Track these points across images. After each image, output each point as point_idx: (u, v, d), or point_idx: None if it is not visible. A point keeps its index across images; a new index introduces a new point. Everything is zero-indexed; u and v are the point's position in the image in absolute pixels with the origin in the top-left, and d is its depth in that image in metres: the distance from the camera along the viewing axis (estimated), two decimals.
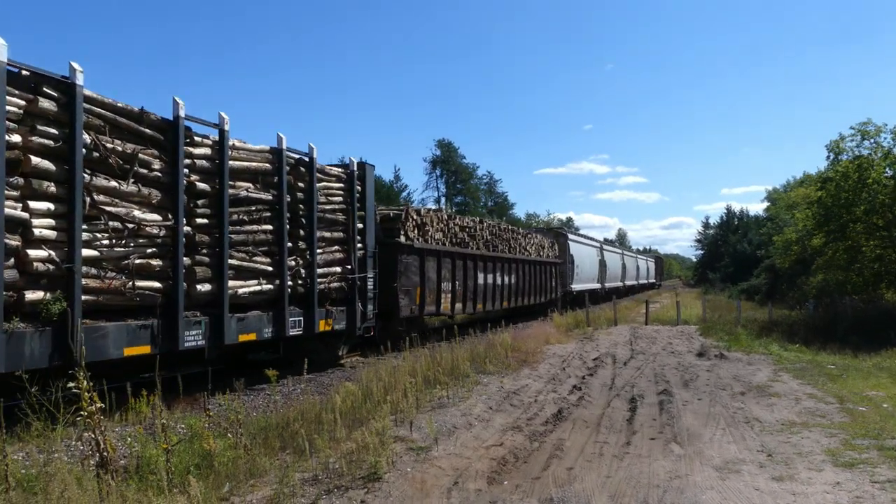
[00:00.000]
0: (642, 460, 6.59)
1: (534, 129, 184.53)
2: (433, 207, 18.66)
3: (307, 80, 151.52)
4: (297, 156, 11.67)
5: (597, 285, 41.28)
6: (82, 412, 5.44)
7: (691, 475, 6.07)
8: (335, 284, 12.58)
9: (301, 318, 11.46)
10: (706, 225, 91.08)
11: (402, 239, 15.84)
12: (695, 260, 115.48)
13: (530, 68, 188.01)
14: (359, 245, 13.44)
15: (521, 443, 7.24)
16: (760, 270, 46.23)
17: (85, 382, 5.43)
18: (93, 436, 5.47)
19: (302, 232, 11.69)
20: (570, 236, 35.78)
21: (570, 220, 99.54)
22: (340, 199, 13.05)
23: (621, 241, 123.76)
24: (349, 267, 13.03)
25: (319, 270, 12.01)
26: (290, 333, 11.06)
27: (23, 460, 5.40)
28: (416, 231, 16.57)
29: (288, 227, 11.10)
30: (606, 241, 50.88)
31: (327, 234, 12.54)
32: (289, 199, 11.12)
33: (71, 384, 5.39)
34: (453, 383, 10.17)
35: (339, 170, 13.38)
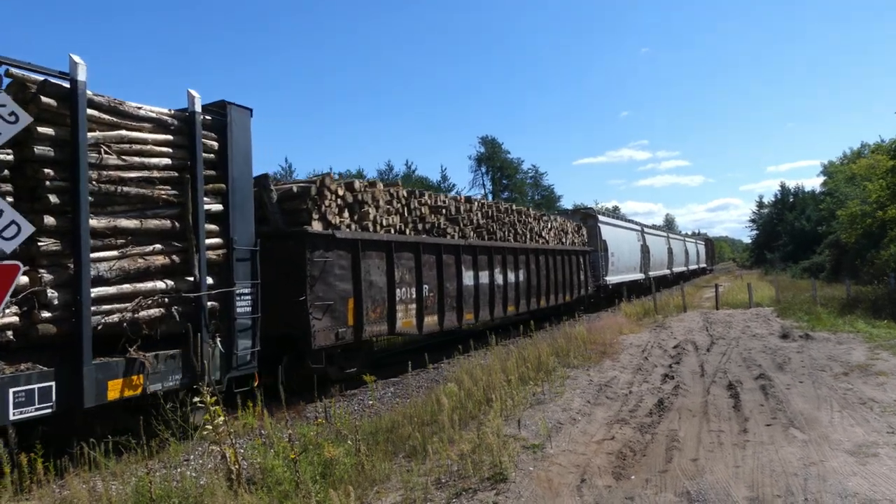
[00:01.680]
0: (767, 447, 6.34)
1: (570, 120, 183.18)
2: (379, 179, 13.36)
3: (349, 84, 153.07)
4: (39, 77, 5.84)
5: (639, 275, 35.25)
6: (208, 426, 5.49)
7: (826, 461, 5.80)
8: (154, 312, 7.22)
9: (49, 385, 6.13)
10: (760, 204, 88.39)
11: (316, 226, 10.22)
12: (746, 241, 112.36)
13: (563, 59, 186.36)
14: (214, 241, 8.16)
15: (633, 436, 7.06)
16: (824, 247, 44.68)
17: (209, 397, 5.48)
18: (219, 449, 5.52)
19: (52, 220, 5.99)
20: (602, 218, 29.34)
21: (616, 208, 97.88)
22: (168, 161, 7.62)
23: (669, 226, 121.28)
24: (191, 279, 7.68)
25: (100, 291, 6.59)
26: (14, 418, 5.77)
27: (161, 478, 5.43)
28: (344, 214, 11.02)
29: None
30: (648, 225, 42.77)
31: (130, 223, 7.09)
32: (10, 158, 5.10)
33: (196, 399, 5.45)
34: (541, 378, 10.02)
35: (164, 113, 7.72)
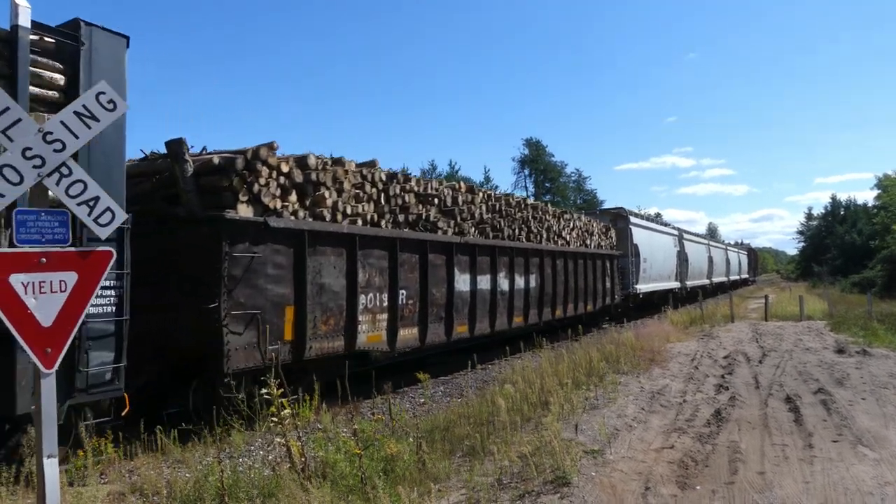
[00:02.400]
0: (836, 465, 6.14)
1: (614, 124, 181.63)
2: (341, 158, 9.90)
3: (397, 83, 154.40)
4: None
5: (674, 284, 32.50)
6: (274, 418, 5.55)
7: None
8: None
9: None
10: (809, 216, 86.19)
11: (243, 211, 8.00)
12: (790, 253, 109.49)
13: (610, 63, 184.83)
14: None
15: (692, 445, 6.91)
16: (876, 262, 43.31)
17: (275, 389, 5.54)
18: (284, 441, 5.57)
19: None
20: (633, 220, 26.51)
21: (658, 215, 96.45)
22: None
23: (712, 235, 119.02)
24: None
25: None
26: None
27: (229, 467, 5.50)
28: (290, 198, 8.75)
29: None
30: (687, 230, 39.60)
31: None
32: None
33: (263, 390, 5.51)
34: (593, 383, 9.90)
35: None
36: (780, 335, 17.93)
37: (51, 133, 3.32)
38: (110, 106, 3.51)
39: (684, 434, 7.41)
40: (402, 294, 10.82)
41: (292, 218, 8.69)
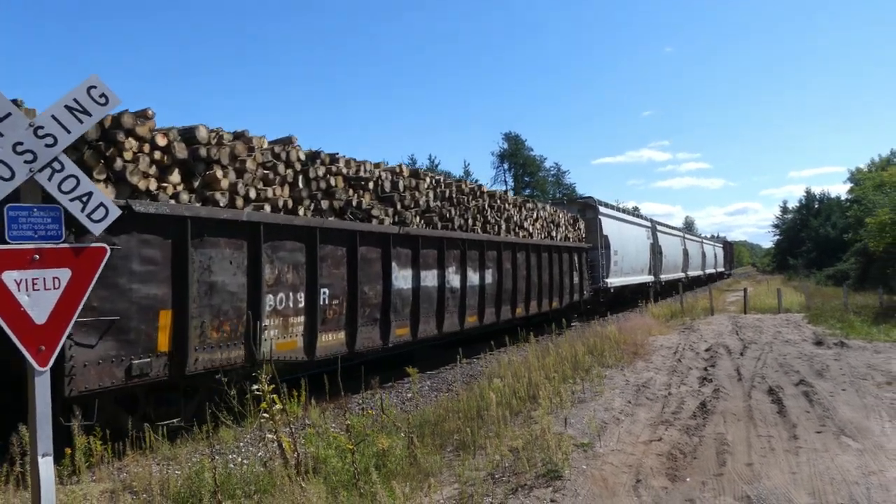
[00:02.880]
0: (821, 455, 6.25)
1: (590, 118, 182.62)
2: (244, 132, 8.43)
3: (374, 80, 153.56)
4: None
5: (647, 277, 30.99)
6: (265, 414, 5.50)
7: (886, 471, 5.70)
8: None
9: None
10: (784, 209, 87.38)
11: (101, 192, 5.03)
12: (765, 246, 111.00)
13: (584, 56, 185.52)
14: None
15: (680, 438, 6.99)
16: (850, 255, 44.08)
17: (266, 385, 5.49)
18: (275, 437, 5.53)
19: None
20: (603, 210, 25.13)
21: (635, 208, 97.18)
22: None
23: (689, 228, 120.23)
24: None
25: None
26: None
27: (219, 463, 5.45)
28: (170, 177, 7.24)
29: None
30: (661, 222, 38.11)
31: None
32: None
33: (255, 387, 5.46)
34: (579, 377, 9.97)
35: None
36: (759, 328, 18.20)
37: (42, 128, 3.25)
38: (102, 100, 3.44)
39: (671, 427, 7.49)
40: (325, 293, 9.26)
41: (171, 202, 7.09)
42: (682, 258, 41.89)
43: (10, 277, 3.12)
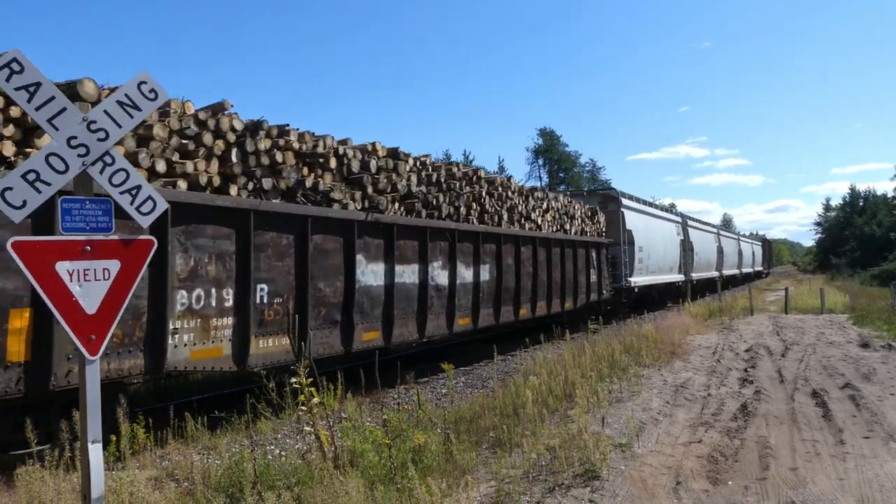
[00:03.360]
0: (870, 461, 6.06)
1: (626, 113, 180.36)
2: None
3: (410, 73, 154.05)
4: None
5: (676, 276, 28.77)
6: (303, 406, 5.55)
7: None
8: None
9: None
10: (826, 207, 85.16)
11: None
12: (806, 245, 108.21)
13: (620, 50, 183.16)
14: None
15: (720, 440, 6.86)
16: None
17: (305, 378, 5.54)
18: (313, 430, 5.58)
19: None
20: (626, 202, 23.05)
21: (672, 205, 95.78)
22: None
23: (727, 225, 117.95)
24: None
25: None
26: None
27: (259, 455, 5.52)
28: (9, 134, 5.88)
29: None
30: (693, 217, 35.50)
31: None
32: None
33: (293, 379, 5.52)
34: (616, 376, 9.86)
35: None
36: (801, 328, 17.76)
37: (94, 122, 3.31)
38: (151, 95, 3.49)
39: (711, 428, 7.36)
40: (262, 290, 7.84)
41: None
42: (715, 256, 39.69)
43: (63, 268, 3.19)
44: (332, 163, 9.14)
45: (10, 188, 3.06)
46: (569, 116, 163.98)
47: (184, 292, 6.95)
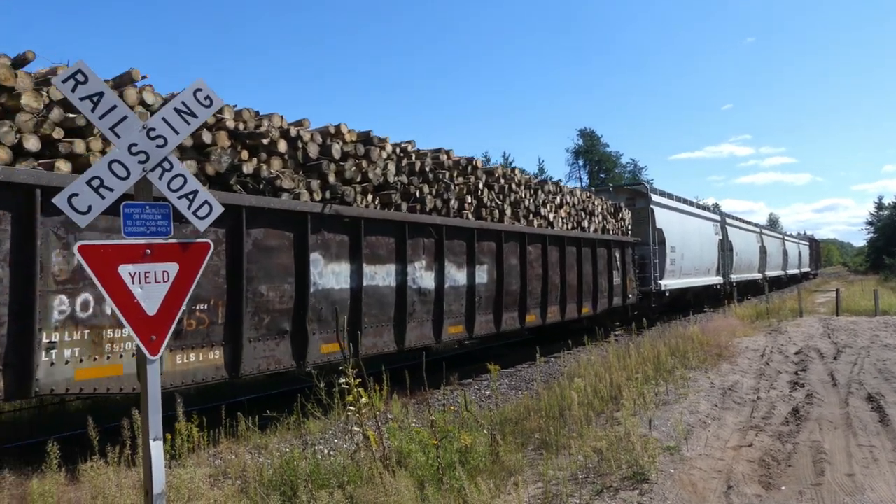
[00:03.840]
0: None
1: (667, 112, 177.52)
2: None
3: (454, 79, 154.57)
4: None
5: (714, 279, 27.11)
6: (351, 407, 5.63)
7: None
8: None
9: None
10: (879, 205, 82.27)
11: None
12: (857, 245, 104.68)
13: (661, 48, 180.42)
14: None
15: (772, 444, 6.71)
16: None
17: (353, 378, 5.61)
18: (362, 430, 5.64)
19: None
20: (656, 198, 21.55)
21: (715, 205, 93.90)
22: None
23: (773, 225, 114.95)
24: None
25: None
26: None
27: (308, 454, 5.61)
28: None
29: None
30: (732, 216, 33.62)
31: None
32: None
33: (342, 380, 5.59)
34: (662, 378, 9.72)
35: None
36: (854, 331, 17.23)
37: (153, 129, 3.42)
38: (206, 102, 3.60)
39: (762, 432, 7.20)
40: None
41: None
42: (758, 257, 37.55)
43: (126, 271, 3.31)
44: (282, 146, 8.11)
45: (77, 194, 3.19)
46: (609, 116, 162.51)
47: (63, 297, 5.72)
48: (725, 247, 29.14)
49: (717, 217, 29.61)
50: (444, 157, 11.27)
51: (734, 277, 30.43)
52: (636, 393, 7.92)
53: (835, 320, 19.77)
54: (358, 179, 9.16)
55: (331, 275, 8.42)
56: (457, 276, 10.83)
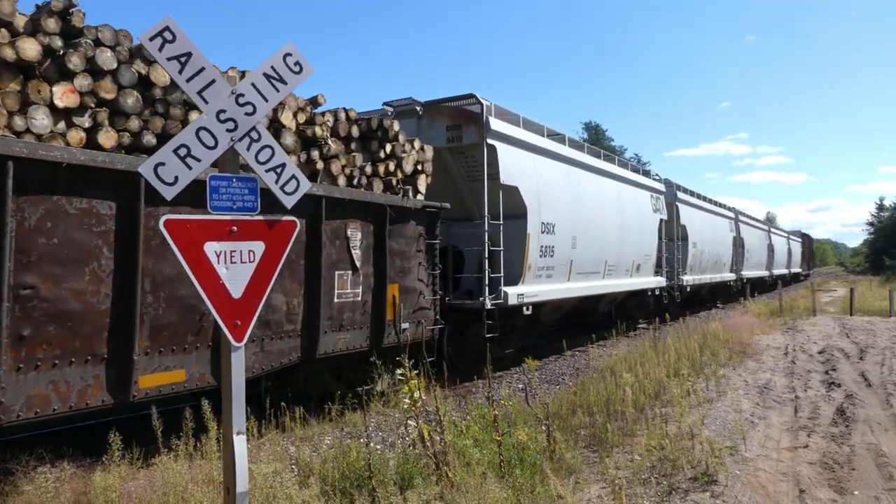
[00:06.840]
0: None
1: (665, 108, 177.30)
2: None
3: (462, 72, 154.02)
4: None
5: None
6: (406, 399, 5.38)
7: None
8: None
9: None
10: (880, 207, 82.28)
11: None
12: (851, 245, 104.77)
13: (661, 45, 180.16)
14: None
15: (827, 446, 6.51)
16: None
17: (409, 371, 5.36)
18: (415, 425, 5.40)
19: None
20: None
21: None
22: None
23: (771, 223, 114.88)
24: None
25: None
26: None
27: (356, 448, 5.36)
28: None
29: None
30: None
31: None
32: None
33: (398, 371, 5.35)
34: (699, 375, 9.53)
35: None
36: (871, 331, 17.07)
37: (242, 95, 3.14)
38: (296, 68, 3.32)
39: (813, 433, 7.00)
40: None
41: None
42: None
43: (211, 249, 3.03)
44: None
45: (163, 163, 2.91)
46: (610, 111, 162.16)
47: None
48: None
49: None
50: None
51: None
52: (682, 391, 7.70)
53: (849, 320, 19.61)
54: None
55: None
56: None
